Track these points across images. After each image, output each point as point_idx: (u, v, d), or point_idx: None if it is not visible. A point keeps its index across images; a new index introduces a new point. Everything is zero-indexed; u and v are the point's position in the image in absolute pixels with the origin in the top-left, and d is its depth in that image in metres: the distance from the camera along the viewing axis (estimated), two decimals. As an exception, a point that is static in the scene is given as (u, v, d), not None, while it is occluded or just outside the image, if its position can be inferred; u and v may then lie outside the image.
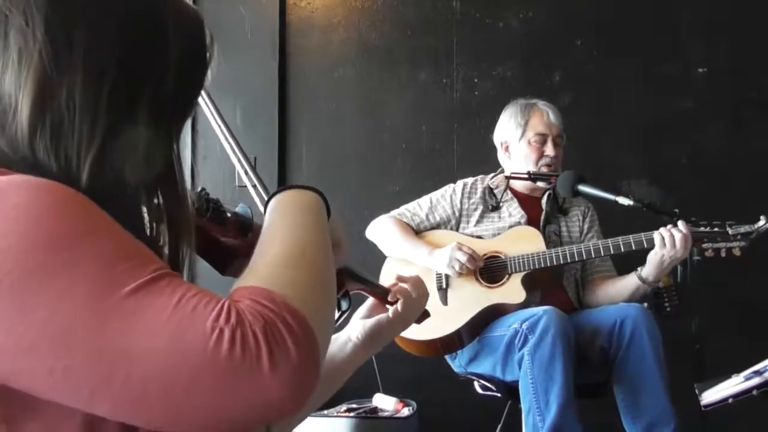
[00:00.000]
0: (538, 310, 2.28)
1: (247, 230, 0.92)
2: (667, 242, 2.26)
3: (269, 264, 0.74)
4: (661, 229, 2.29)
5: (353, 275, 1.06)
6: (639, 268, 2.38)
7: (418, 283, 1.17)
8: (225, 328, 0.63)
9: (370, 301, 1.17)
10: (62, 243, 0.64)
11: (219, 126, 1.04)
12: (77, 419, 0.67)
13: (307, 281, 0.73)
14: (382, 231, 2.63)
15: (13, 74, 0.72)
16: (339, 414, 2.65)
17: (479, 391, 2.57)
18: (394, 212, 2.66)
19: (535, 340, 2.22)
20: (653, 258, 2.31)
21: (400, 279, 1.18)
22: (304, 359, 0.65)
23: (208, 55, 0.83)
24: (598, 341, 2.34)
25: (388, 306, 1.15)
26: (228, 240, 0.90)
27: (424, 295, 1.18)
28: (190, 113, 0.84)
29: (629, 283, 2.43)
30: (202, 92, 0.99)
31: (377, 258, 2.66)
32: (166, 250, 0.80)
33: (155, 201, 0.80)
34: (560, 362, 2.19)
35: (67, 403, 0.64)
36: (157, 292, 0.64)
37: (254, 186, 1.01)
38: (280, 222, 0.82)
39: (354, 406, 2.73)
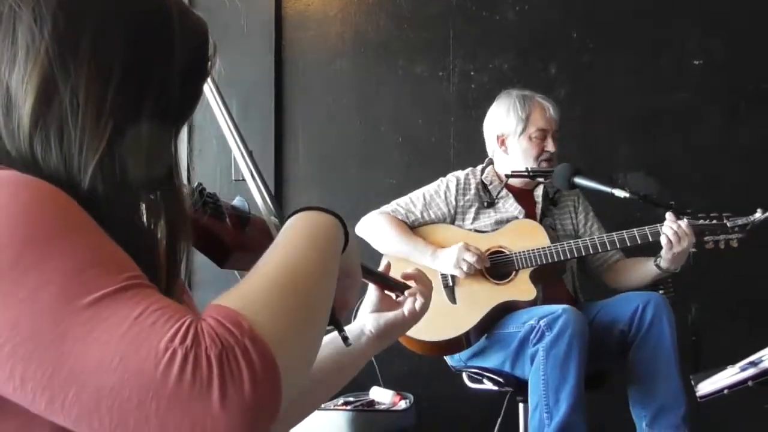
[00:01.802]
0: (557, 308, 2.27)
1: (245, 224, 0.92)
2: (673, 240, 2.29)
3: (252, 284, 0.70)
4: (664, 229, 2.31)
5: (363, 267, 1.06)
6: (657, 258, 2.39)
7: (424, 278, 1.18)
8: (179, 349, 0.60)
9: (374, 294, 1.16)
10: (34, 245, 0.63)
11: (223, 115, 1.04)
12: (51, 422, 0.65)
13: (287, 308, 0.69)
14: (377, 229, 2.57)
15: (19, 71, 0.72)
16: (336, 407, 2.66)
17: (468, 384, 2.57)
18: (387, 208, 2.60)
19: (552, 338, 2.20)
20: (665, 255, 2.34)
21: (407, 277, 1.18)
22: (258, 393, 0.61)
23: (209, 64, 0.83)
24: (617, 326, 2.34)
25: (394, 296, 1.16)
26: (225, 234, 0.90)
27: (431, 288, 1.18)
28: (190, 115, 0.84)
29: (649, 271, 2.45)
30: (209, 81, 0.99)
31: (374, 253, 2.66)
32: (163, 246, 0.80)
33: (153, 198, 0.79)
34: (575, 363, 2.18)
35: (29, 408, 0.63)
36: (121, 303, 0.62)
37: (252, 176, 0.99)
38: (284, 242, 0.79)
39: (351, 399, 2.74)
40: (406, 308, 1.14)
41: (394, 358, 2.91)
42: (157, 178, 0.78)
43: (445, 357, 2.60)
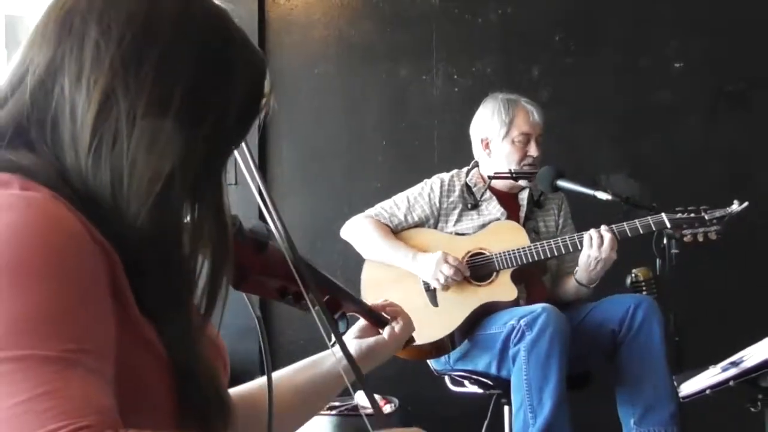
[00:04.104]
0: (537, 307, 2.28)
1: (263, 248, 0.94)
2: (594, 243, 2.34)
3: None
4: (591, 230, 2.36)
5: (351, 298, 1.10)
6: (576, 270, 2.44)
7: (402, 311, 1.21)
8: None
9: (362, 322, 1.21)
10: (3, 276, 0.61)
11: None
12: None
13: None
14: (360, 232, 2.58)
15: (83, 82, 0.73)
16: (321, 412, 2.65)
17: (451, 387, 2.57)
18: (371, 212, 2.61)
19: (533, 337, 2.21)
20: (581, 259, 2.39)
21: (381, 307, 1.21)
22: None
23: (263, 101, 0.85)
24: (608, 326, 2.36)
25: (380, 330, 1.19)
26: (244, 256, 0.91)
27: (410, 321, 1.22)
28: (236, 148, 0.85)
29: (570, 284, 2.50)
30: None
31: (359, 259, 2.65)
32: (202, 275, 0.80)
33: (199, 221, 0.80)
34: (557, 361, 2.19)
35: None
36: (36, 372, 0.60)
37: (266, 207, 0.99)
38: None
39: (336, 403, 2.73)
40: (386, 332, 1.18)
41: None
42: (206, 198, 0.79)
43: (433, 363, 2.60)
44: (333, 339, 1.04)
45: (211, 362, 0.81)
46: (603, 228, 2.36)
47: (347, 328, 1.10)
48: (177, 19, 0.77)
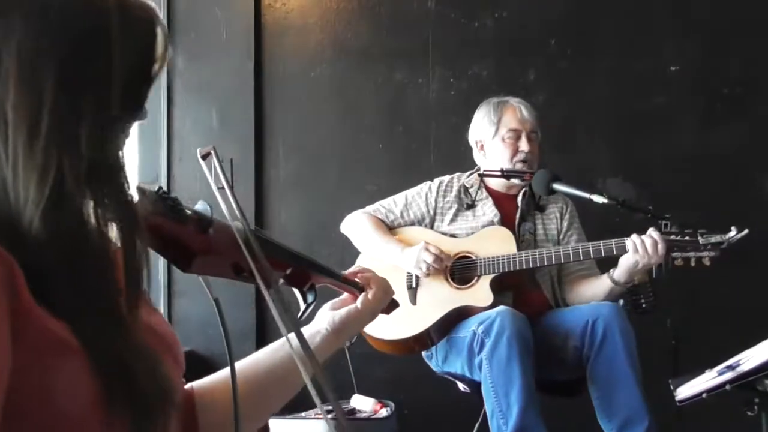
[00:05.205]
0: (492, 312, 2.28)
1: (207, 227, 0.91)
2: (640, 249, 2.26)
3: None
4: (633, 236, 2.28)
5: (320, 269, 1.07)
6: (611, 270, 2.40)
7: (375, 277, 1.19)
8: None
9: (343, 295, 1.18)
10: None
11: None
12: None
13: None
14: (356, 227, 2.65)
15: None
16: (317, 416, 2.64)
17: (462, 389, 2.57)
18: (369, 208, 2.67)
19: (491, 344, 2.22)
20: (625, 263, 2.33)
21: (352, 274, 1.19)
22: None
23: (155, 66, 0.81)
24: (571, 341, 2.34)
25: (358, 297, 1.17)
26: (187, 237, 0.88)
27: (388, 288, 1.19)
28: (137, 117, 0.81)
29: (603, 284, 2.44)
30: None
31: (355, 257, 2.66)
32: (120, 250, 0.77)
33: (102, 201, 0.76)
34: (518, 363, 2.19)
35: None
36: None
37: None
38: None
39: (330, 407, 2.72)
40: (359, 301, 1.15)
41: (376, 366, 2.90)
42: (102, 182, 0.75)
43: (429, 363, 2.60)
44: (292, 319, 1.01)
45: (149, 351, 0.77)
46: (651, 231, 2.26)
47: (315, 299, 1.06)
48: (31, 8, 0.72)
